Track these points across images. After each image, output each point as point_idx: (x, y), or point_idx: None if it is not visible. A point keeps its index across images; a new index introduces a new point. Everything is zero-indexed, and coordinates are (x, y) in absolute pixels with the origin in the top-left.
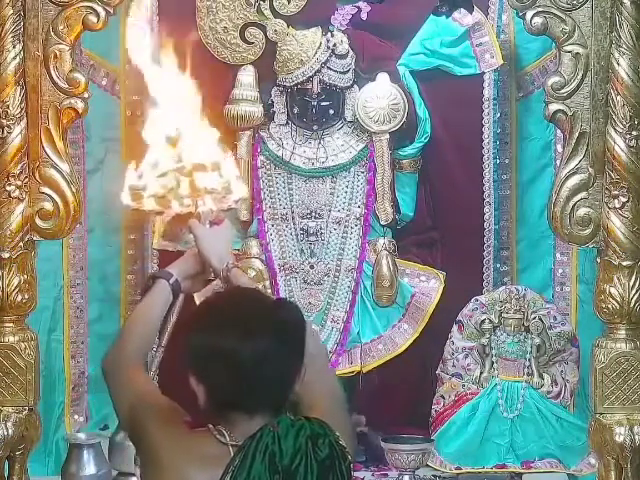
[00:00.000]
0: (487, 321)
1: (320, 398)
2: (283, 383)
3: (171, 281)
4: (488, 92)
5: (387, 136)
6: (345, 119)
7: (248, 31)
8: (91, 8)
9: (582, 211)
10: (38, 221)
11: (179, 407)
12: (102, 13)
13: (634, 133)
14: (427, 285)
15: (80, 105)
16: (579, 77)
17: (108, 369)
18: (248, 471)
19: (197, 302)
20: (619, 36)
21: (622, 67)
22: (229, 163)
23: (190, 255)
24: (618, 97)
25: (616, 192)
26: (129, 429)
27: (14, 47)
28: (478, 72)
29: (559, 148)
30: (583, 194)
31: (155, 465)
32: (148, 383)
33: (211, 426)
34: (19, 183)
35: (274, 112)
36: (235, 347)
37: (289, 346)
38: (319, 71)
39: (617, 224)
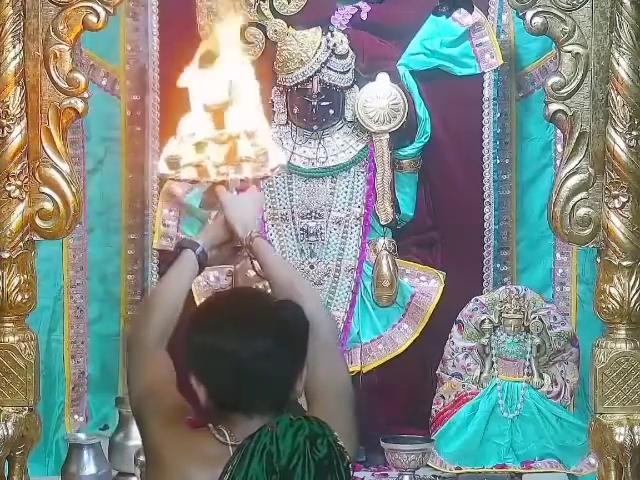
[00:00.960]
0: (487, 321)
1: (324, 387)
2: (283, 384)
3: (197, 251)
4: (488, 92)
5: (387, 136)
6: (345, 119)
7: (248, 31)
8: (91, 8)
9: (582, 211)
10: (38, 221)
11: (187, 404)
12: (102, 13)
13: (634, 133)
14: (427, 285)
15: (80, 105)
16: (579, 77)
17: (129, 344)
18: (246, 471)
19: (197, 302)
20: (619, 36)
21: (622, 67)
22: (266, 131)
23: (217, 223)
24: (618, 97)
25: (616, 192)
26: (135, 416)
27: (14, 47)
28: (478, 72)
29: (559, 148)
30: (583, 194)
31: (157, 463)
32: (163, 370)
33: (211, 426)
34: (19, 183)
35: (274, 112)
36: (234, 348)
37: (289, 347)
38: (319, 71)
39: (617, 224)
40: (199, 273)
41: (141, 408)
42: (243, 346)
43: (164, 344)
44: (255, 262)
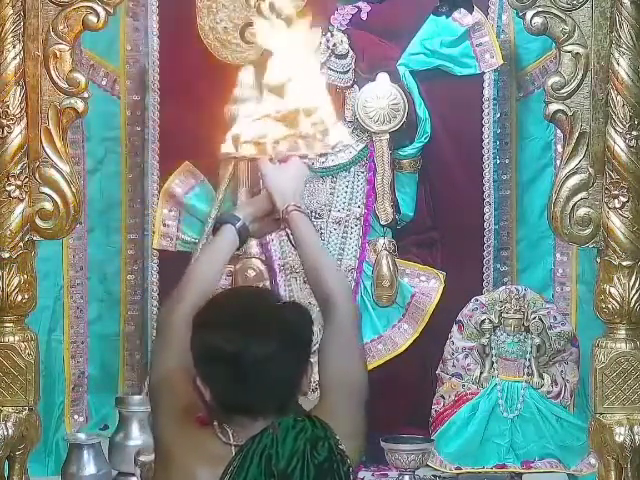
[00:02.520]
0: (487, 321)
1: (335, 380)
2: (287, 386)
3: (238, 225)
4: (488, 92)
5: (387, 136)
6: (345, 119)
7: (248, 31)
8: (91, 8)
9: (582, 211)
10: (38, 221)
11: (198, 399)
12: (102, 13)
13: (634, 133)
14: (427, 285)
15: (80, 105)
16: (579, 77)
17: (160, 320)
18: (245, 473)
19: None
20: (619, 36)
21: (622, 67)
22: (327, 109)
23: (262, 195)
24: (618, 97)
25: (616, 192)
26: (150, 402)
27: (14, 47)
28: (478, 72)
29: (559, 148)
30: (583, 194)
31: (165, 458)
32: (185, 357)
33: (216, 425)
34: (19, 183)
35: None
36: (236, 351)
37: (293, 348)
38: None
39: (617, 224)
40: (240, 247)
41: (158, 398)
42: (245, 349)
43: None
44: (290, 235)
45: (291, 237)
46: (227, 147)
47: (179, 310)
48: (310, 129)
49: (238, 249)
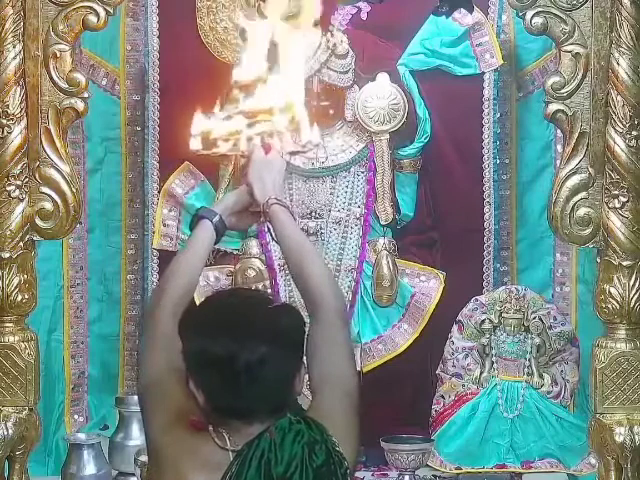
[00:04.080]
0: (487, 321)
1: (325, 382)
2: (280, 389)
3: (215, 220)
4: (488, 92)
5: (387, 136)
6: (345, 119)
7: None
8: (91, 8)
9: (582, 211)
10: (38, 221)
11: (191, 402)
12: (102, 13)
13: (634, 133)
14: (427, 285)
15: (80, 105)
16: (579, 77)
17: (146, 315)
18: (244, 478)
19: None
20: (619, 36)
21: (622, 67)
22: (300, 107)
23: (241, 189)
24: (618, 97)
25: (616, 192)
26: (140, 406)
27: (14, 47)
28: (478, 72)
29: (559, 148)
30: (583, 194)
31: (158, 462)
32: (172, 356)
33: (211, 429)
34: (19, 183)
35: None
36: (228, 356)
37: (286, 352)
38: (319, 71)
39: (617, 224)
40: (217, 241)
41: (148, 399)
42: (237, 353)
43: (177, 316)
44: (272, 229)
45: (272, 231)
46: (195, 144)
47: (162, 304)
48: (282, 127)
49: (216, 243)
